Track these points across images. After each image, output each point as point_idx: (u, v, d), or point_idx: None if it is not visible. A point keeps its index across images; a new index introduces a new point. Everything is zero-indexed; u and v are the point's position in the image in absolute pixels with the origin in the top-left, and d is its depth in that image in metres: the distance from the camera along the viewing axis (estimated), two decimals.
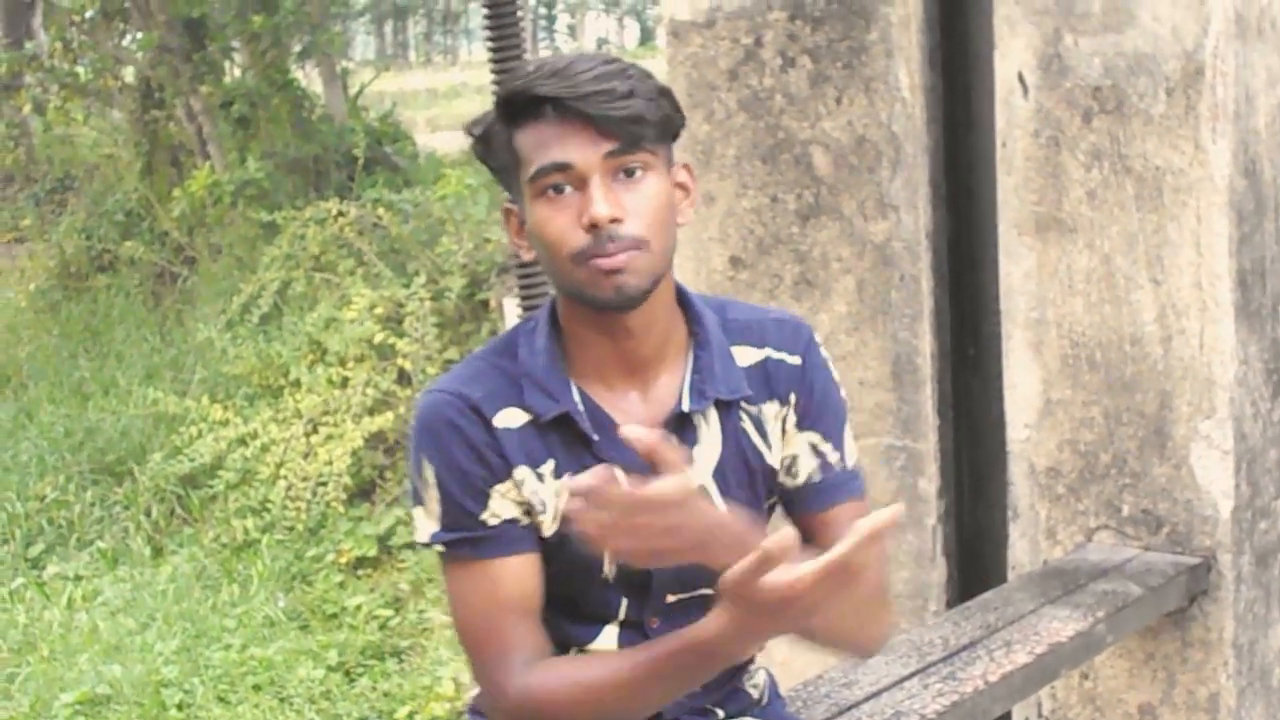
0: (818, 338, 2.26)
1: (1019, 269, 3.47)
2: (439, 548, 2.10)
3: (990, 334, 3.63)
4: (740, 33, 3.74)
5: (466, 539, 2.07)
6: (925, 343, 3.64)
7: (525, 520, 2.08)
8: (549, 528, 2.09)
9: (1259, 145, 3.31)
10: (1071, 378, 3.43)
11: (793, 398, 2.19)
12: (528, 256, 2.11)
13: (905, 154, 3.57)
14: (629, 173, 2.00)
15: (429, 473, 2.08)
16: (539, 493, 2.08)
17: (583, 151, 1.98)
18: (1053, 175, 3.39)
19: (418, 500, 2.11)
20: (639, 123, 1.99)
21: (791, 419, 2.19)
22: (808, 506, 2.22)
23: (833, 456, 2.22)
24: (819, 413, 2.21)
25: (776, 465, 2.20)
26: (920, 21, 3.55)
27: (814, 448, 2.21)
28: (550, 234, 2.01)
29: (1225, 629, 3.33)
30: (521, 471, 2.08)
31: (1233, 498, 3.29)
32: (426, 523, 2.10)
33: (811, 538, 2.16)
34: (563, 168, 1.99)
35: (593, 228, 1.97)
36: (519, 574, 2.07)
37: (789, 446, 2.20)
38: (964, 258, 3.68)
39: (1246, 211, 3.27)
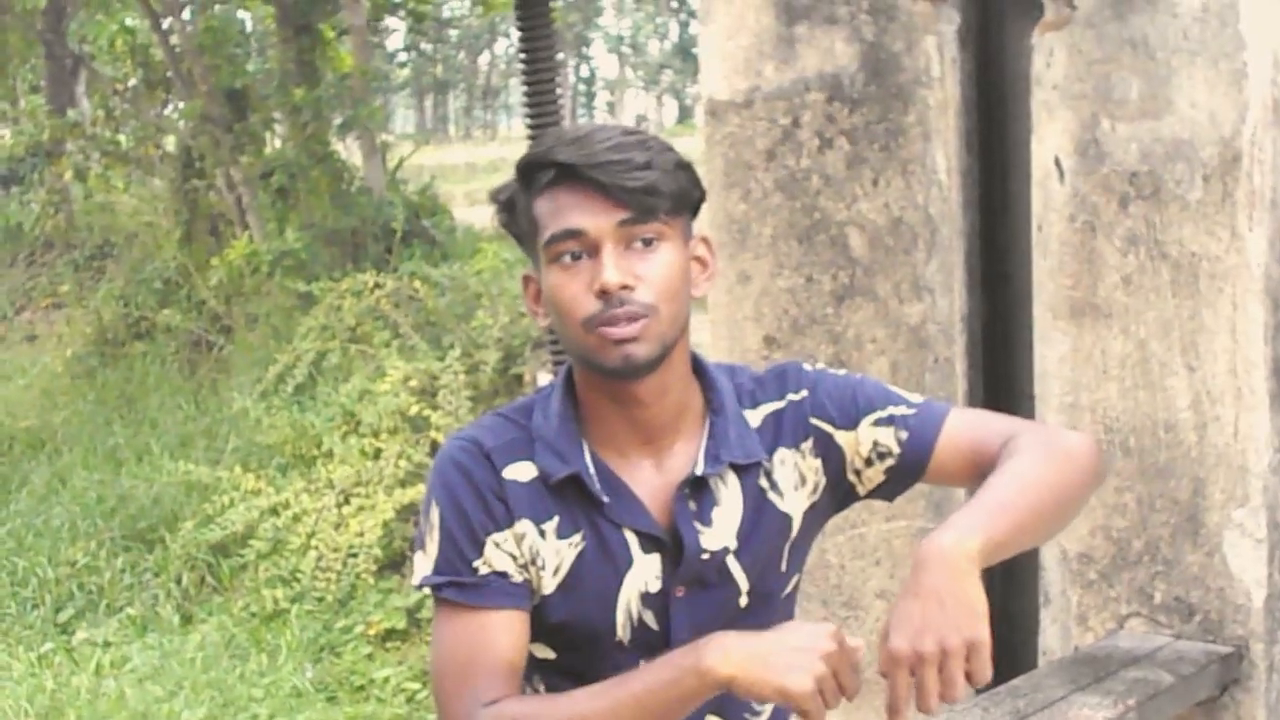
0: (808, 366, 2.26)
1: (1054, 353, 3.46)
2: (428, 590, 2.10)
3: (1024, 418, 3.62)
4: (778, 113, 3.75)
5: (455, 583, 2.06)
6: None
7: (518, 577, 2.08)
8: (549, 584, 2.09)
9: None
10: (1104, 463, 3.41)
11: (815, 422, 2.19)
12: (543, 323, 2.14)
13: (941, 236, 3.58)
14: (645, 242, 2.03)
15: (435, 514, 2.10)
16: (540, 549, 2.09)
17: (596, 219, 2.01)
18: (1088, 260, 3.39)
19: (420, 545, 2.12)
20: (653, 194, 2.01)
21: (839, 435, 2.19)
22: (922, 452, 2.18)
23: (900, 410, 2.20)
24: (853, 399, 2.20)
25: (791, 511, 2.19)
26: (958, 105, 3.56)
27: (877, 421, 2.19)
28: (563, 299, 2.04)
29: (1257, 719, 3.30)
30: (524, 525, 2.08)
31: (1265, 586, 3.26)
32: (423, 565, 2.10)
33: (949, 469, 2.18)
34: (576, 234, 2.02)
35: (603, 294, 2.00)
36: (503, 628, 2.05)
37: (860, 446, 2.18)
38: (998, 341, 3.68)
39: None
